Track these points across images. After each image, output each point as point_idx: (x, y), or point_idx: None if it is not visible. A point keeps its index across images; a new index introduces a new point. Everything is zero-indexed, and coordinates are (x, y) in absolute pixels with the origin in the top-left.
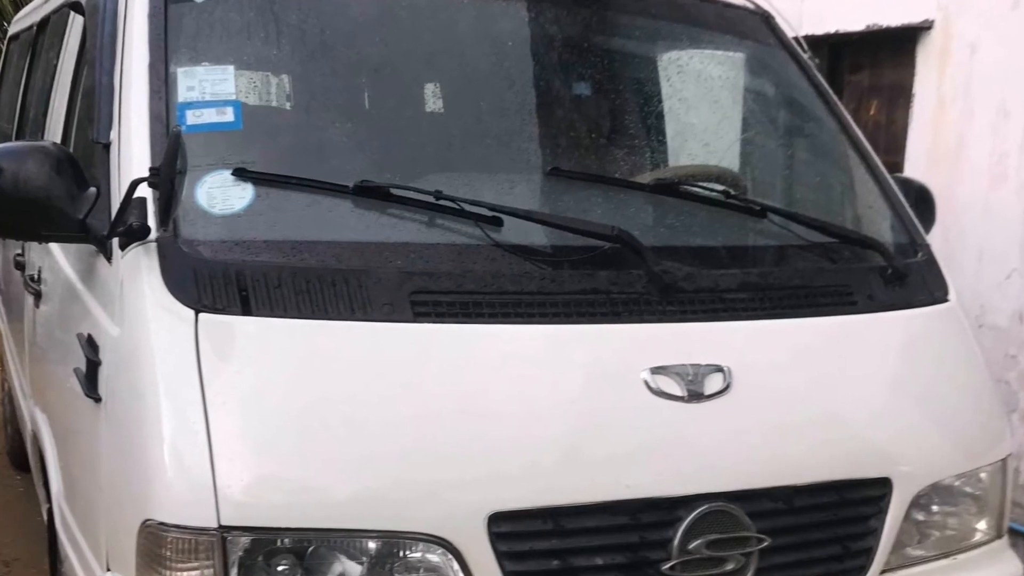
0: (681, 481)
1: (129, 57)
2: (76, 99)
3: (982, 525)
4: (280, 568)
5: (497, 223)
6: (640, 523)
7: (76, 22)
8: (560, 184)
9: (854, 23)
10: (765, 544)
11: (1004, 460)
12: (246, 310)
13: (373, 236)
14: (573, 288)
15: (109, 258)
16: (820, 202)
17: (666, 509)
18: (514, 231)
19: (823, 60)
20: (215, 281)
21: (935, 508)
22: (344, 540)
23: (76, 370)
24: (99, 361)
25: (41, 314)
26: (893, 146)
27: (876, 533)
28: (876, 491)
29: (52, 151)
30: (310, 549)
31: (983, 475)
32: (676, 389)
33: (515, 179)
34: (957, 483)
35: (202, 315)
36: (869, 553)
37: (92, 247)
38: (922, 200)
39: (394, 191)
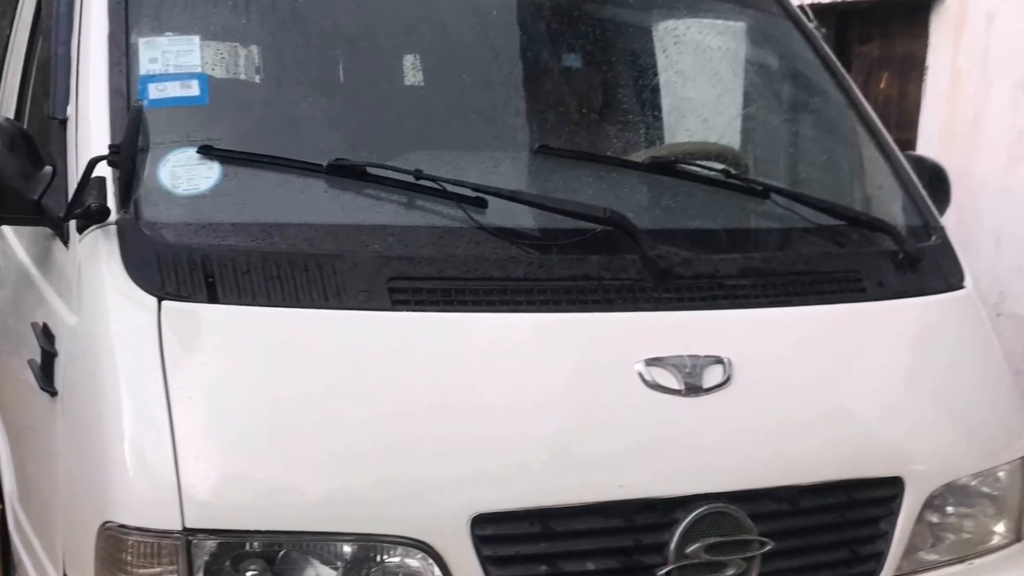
0: (678, 480)
1: (87, 27)
2: (31, 72)
3: (1000, 528)
4: (248, 573)
5: (481, 204)
6: (634, 525)
7: None
8: (548, 163)
9: None
10: (768, 548)
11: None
12: (212, 297)
13: (348, 218)
14: (562, 274)
15: (66, 242)
16: (827, 182)
17: (662, 510)
18: (499, 213)
19: (830, 30)
20: (179, 266)
21: (950, 509)
22: (317, 544)
23: (31, 362)
24: (55, 352)
25: None
26: (905, 122)
27: (887, 536)
28: (887, 491)
29: (5, 127)
30: (281, 553)
31: (1001, 474)
32: (672, 382)
33: (500, 157)
34: (973, 483)
35: (165, 303)
36: (879, 557)
37: (48, 230)
38: (936, 180)
39: (371, 170)
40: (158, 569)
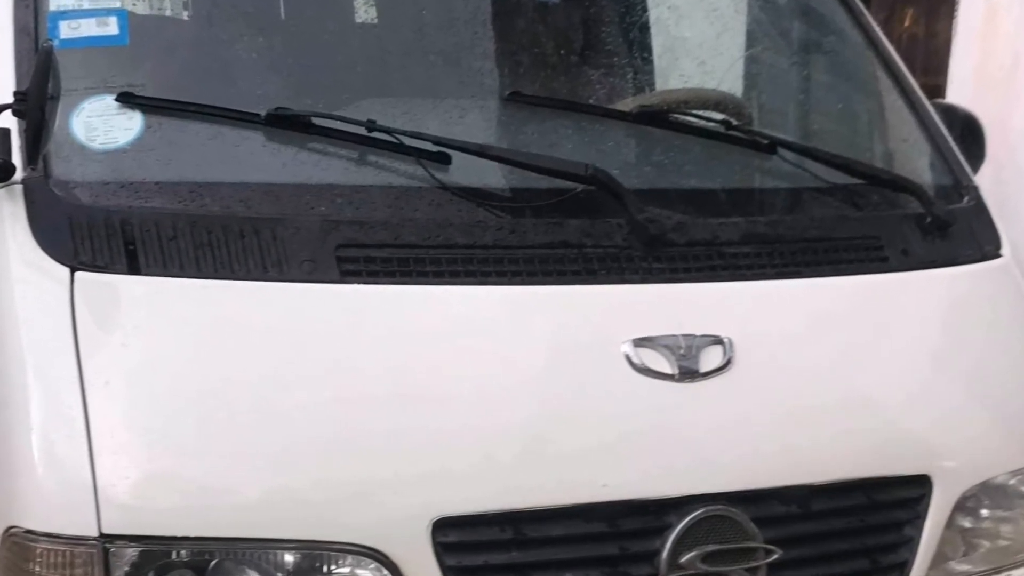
0: (671, 479)
1: None
2: None
3: None
4: None
5: (444, 160)
6: (620, 531)
7: None
8: (521, 112)
9: None
10: (775, 557)
11: None
12: (133, 268)
13: (290, 176)
14: (537, 240)
15: None
16: (842, 135)
17: (653, 514)
18: (464, 170)
19: None
20: (95, 232)
21: (985, 512)
22: (254, 552)
23: None
24: None
25: None
26: (933, 65)
27: (912, 543)
28: (912, 492)
29: None
30: (212, 563)
31: None
32: (665, 365)
33: (466, 106)
34: (1012, 482)
35: (79, 274)
36: (903, 568)
37: None
38: (969, 132)
39: (316, 121)
40: None
